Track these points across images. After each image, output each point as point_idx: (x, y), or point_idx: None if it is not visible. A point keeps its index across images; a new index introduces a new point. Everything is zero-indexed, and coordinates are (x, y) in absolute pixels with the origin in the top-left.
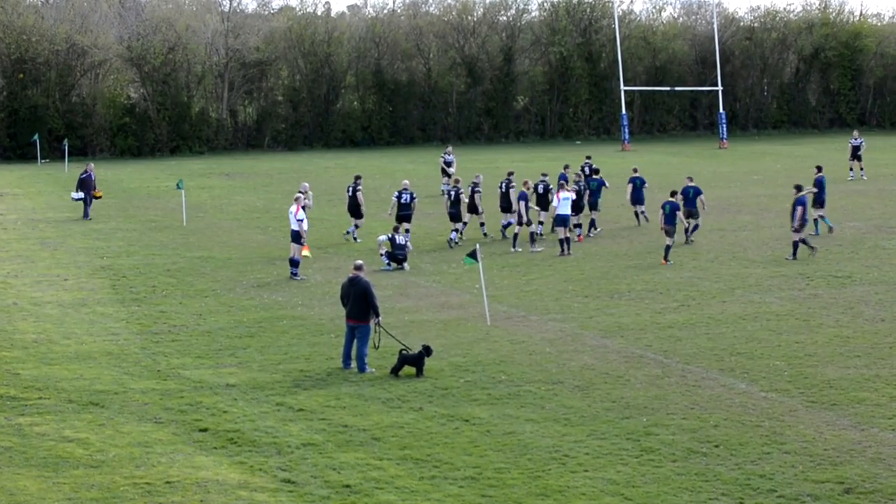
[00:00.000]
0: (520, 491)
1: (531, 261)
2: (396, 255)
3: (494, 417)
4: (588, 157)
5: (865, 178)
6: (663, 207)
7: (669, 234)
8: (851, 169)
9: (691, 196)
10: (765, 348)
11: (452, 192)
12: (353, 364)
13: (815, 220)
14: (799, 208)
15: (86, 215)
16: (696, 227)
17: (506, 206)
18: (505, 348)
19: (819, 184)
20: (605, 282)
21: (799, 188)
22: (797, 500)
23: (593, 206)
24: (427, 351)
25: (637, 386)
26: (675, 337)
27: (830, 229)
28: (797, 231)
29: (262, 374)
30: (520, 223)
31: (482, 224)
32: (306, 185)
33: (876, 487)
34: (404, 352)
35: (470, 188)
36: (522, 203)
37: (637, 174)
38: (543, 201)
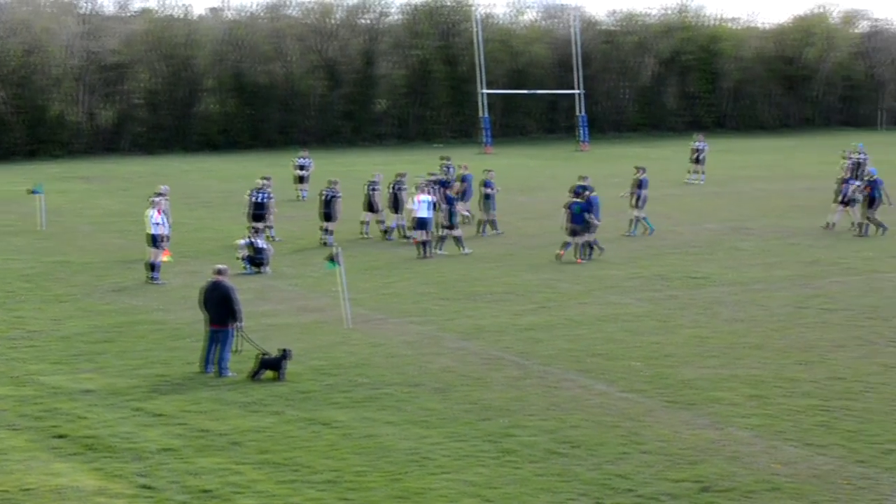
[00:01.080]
0: (379, 494)
1: (391, 263)
2: (257, 258)
3: (354, 420)
4: (446, 159)
5: (703, 182)
6: (571, 208)
7: (576, 233)
8: (691, 172)
9: (577, 212)
10: (623, 349)
11: (327, 193)
12: (213, 368)
13: (634, 220)
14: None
15: None
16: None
17: (396, 207)
18: (364, 351)
19: (642, 184)
20: (463, 284)
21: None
22: (655, 500)
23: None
24: (286, 354)
25: (496, 388)
26: (533, 338)
27: (650, 231)
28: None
29: (119, 380)
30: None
31: (380, 222)
32: (166, 187)
33: (733, 485)
34: (264, 356)
35: (368, 187)
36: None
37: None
38: (397, 203)
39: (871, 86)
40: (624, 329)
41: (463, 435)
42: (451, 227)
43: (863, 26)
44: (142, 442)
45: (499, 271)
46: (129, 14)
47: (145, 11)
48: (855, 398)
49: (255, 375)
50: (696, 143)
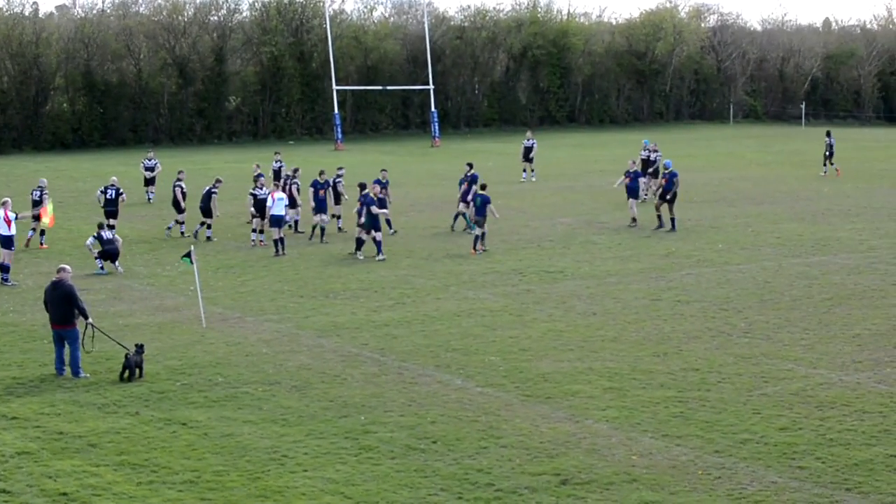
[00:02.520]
0: (239, 493)
1: (246, 262)
2: (107, 250)
3: (212, 420)
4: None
5: (535, 179)
6: (474, 200)
7: (479, 224)
8: (524, 170)
9: (479, 204)
10: (480, 344)
11: (206, 188)
12: (67, 370)
13: (460, 215)
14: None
15: None
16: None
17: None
18: (221, 350)
19: (473, 179)
20: (320, 281)
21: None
22: (515, 493)
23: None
24: (140, 349)
25: (354, 384)
26: (390, 335)
27: (469, 228)
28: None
29: None
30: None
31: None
32: (45, 181)
33: (592, 478)
34: (128, 356)
35: (285, 180)
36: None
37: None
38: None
39: (720, 80)
40: (480, 324)
41: (322, 432)
42: (368, 230)
43: (711, 21)
44: None
45: (354, 268)
46: None
47: None
48: (710, 389)
49: (123, 375)
50: (527, 141)
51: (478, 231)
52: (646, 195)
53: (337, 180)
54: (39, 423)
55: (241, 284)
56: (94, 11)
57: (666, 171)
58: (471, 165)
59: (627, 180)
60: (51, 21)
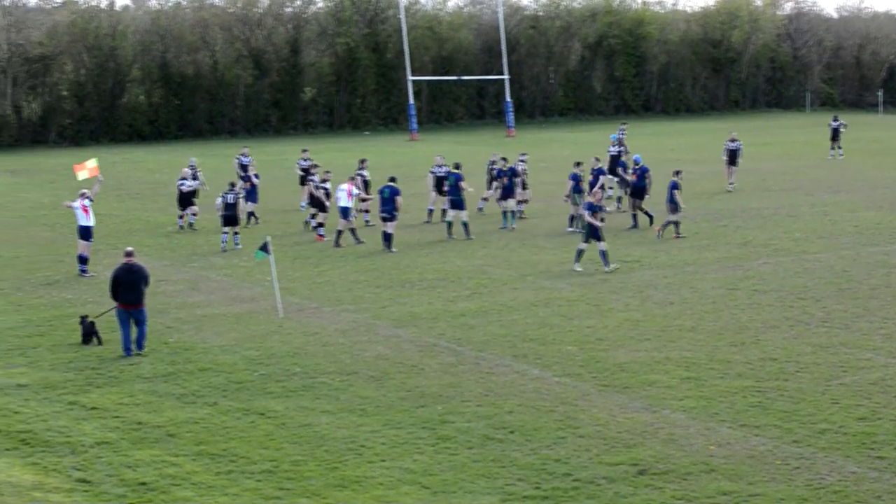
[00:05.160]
0: (317, 483)
1: (323, 252)
2: (227, 216)
3: (290, 410)
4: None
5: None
6: (635, 188)
7: (673, 211)
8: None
9: (452, 182)
10: (557, 334)
11: (230, 196)
12: (133, 349)
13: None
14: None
15: None
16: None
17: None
18: (298, 340)
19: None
20: (396, 272)
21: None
22: (592, 483)
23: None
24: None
25: (431, 374)
26: (467, 325)
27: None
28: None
29: (53, 373)
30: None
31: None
32: (195, 159)
33: (669, 468)
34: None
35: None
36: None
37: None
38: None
39: (796, 68)
40: (557, 314)
41: (399, 422)
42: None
43: (787, 8)
44: (77, 436)
45: (431, 258)
46: (52, 5)
47: (69, 3)
48: (788, 378)
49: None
50: (731, 143)
51: (673, 217)
52: (610, 192)
53: (518, 166)
54: (118, 413)
55: (318, 275)
56: (170, 3)
57: (636, 167)
58: (597, 159)
59: (590, 178)
60: (126, 14)
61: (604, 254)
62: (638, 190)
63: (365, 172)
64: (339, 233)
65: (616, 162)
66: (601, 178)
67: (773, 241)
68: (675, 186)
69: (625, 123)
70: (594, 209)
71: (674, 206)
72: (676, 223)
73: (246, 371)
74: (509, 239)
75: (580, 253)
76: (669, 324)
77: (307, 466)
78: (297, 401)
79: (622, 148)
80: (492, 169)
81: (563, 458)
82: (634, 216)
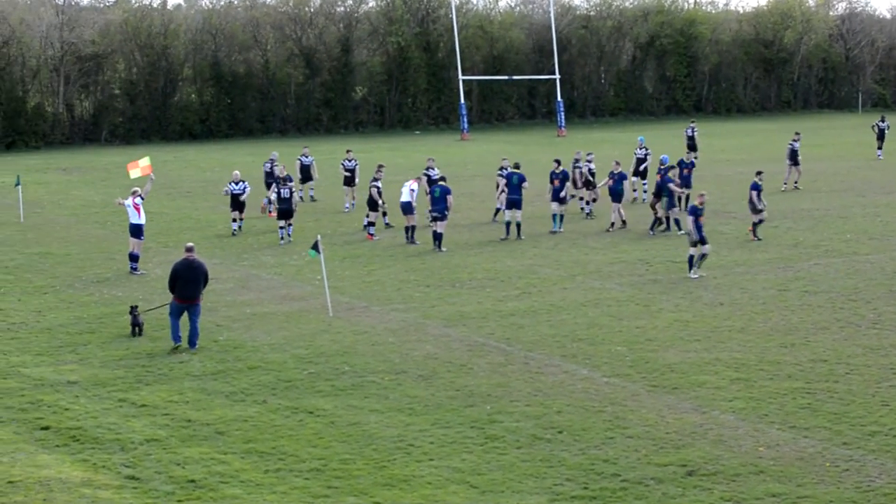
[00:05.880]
0: (365, 481)
1: (372, 251)
2: (282, 209)
3: (339, 408)
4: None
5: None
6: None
7: (757, 211)
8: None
9: (515, 182)
10: (606, 334)
11: (285, 190)
12: (182, 339)
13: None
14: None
15: None
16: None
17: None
18: (348, 339)
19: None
20: (446, 271)
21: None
22: (641, 484)
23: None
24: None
25: (480, 374)
26: (517, 324)
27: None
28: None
29: (103, 371)
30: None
31: (384, 214)
32: (276, 153)
33: (718, 469)
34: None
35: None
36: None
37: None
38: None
39: (849, 68)
40: (606, 314)
41: (448, 422)
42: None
43: (840, 9)
44: (127, 433)
45: (481, 258)
46: (105, 4)
47: (121, 1)
48: (838, 380)
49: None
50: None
51: (755, 218)
52: (635, 197)
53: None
54: (168, 410)
55: (368, 274)
56: (222, 3)
57: (662, 167)
58: (618, 163)
59: (610, 182)
60: (178, 13)
61: (702, 257)
62: (615, 194)
63: (433, 172)
64: (411, 229)
65: (640, 164)
66: (624, 182)
67: (824, 243)
68: (755, 187)
69: (694, 121)
70: (697, 213)
71: (752, 206)
72: (757, 223)
73: (295, 369)
74: (559, 239)
75: (693, 258)
76: (719, 324)
77: (355, 465)
78: (345, 399)
79: (647, 151)
80: (576, 167)
81: (612, 459)
82: (657, 215)
